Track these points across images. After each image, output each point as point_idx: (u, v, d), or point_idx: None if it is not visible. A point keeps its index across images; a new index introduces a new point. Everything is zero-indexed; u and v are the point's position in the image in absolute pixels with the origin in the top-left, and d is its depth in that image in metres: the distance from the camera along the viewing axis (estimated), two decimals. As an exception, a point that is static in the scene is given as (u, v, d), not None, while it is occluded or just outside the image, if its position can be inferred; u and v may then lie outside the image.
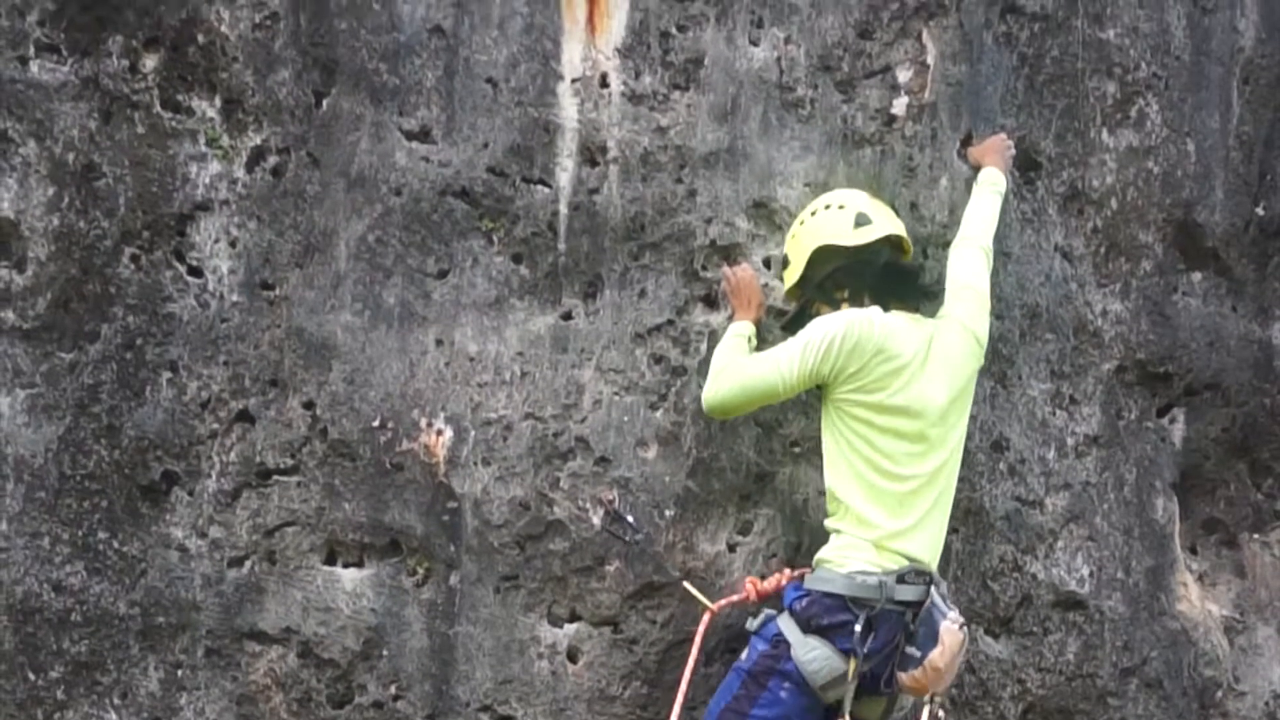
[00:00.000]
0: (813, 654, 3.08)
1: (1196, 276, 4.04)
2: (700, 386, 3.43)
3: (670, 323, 3.53)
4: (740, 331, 3.42)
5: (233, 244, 3.43)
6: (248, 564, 3.41)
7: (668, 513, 3.48)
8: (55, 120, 3.35)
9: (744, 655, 3.20)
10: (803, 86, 3.60)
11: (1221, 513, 4.17)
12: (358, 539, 3.44)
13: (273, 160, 3.46)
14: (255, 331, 3.43)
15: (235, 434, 3.41)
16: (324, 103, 3.48)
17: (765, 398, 3.28)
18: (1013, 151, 3.70)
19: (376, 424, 3.44)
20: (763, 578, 3.34)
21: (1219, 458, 4.11)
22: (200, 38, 3.41)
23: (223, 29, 3.42)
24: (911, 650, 3.10)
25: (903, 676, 3.11)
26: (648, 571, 3.45)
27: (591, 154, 3.56)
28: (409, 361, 3.46)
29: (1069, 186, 3.87)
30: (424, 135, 3.51)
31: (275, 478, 3.42)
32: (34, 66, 3.35)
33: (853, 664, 3.06)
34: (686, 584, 3.39)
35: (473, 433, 3.46)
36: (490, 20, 3.54)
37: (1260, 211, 4.08)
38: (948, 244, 3.57)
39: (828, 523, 3.26)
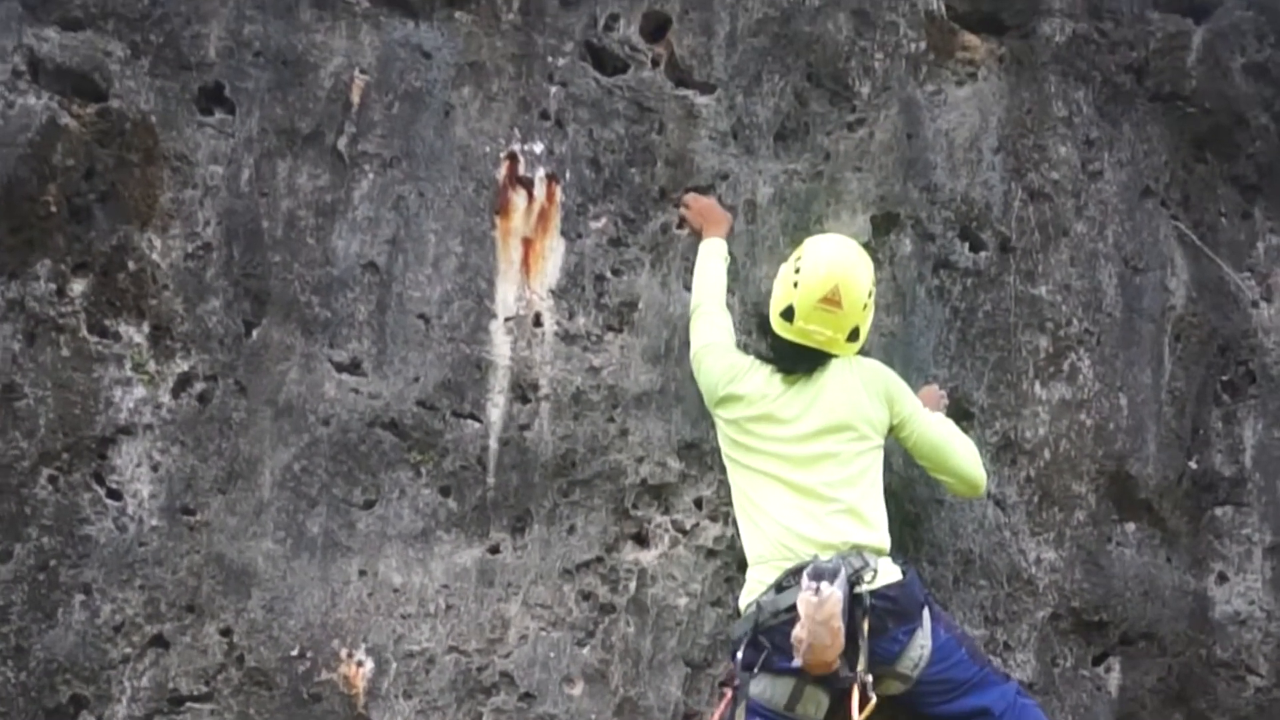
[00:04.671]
0: (759, 686, 4.66)
1: (1130, 527, 5.62)
2: (628, 625, 5.07)
3: (599, 560, 5.12)
4: (717, 251, 5.12)
5: (154, 468, 4.91)
6: (156, 797, 4.72)
7: (593, 754, 4.91)
8: (-23, 340, 4.76)
9: None
10: (738, 332, 5.20)
11: (1158, 763, 5.62)
12: (272, 772, 4.79)
13: (199, 387, 4.97)
14: (174, 556, 4.88)
15: (148, 659, 4.83)
16: (254, 332, 5.01)
17: None
18: (946, 402, 5.33)
19: (295, 653, 4.90)
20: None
21: (1155, 707, 5.54)
22: (131, 265, 4.95)
23: (154, 257, 4.98)
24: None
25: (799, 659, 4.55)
26: (572, 817, 4.85)
27: (523, 391, 5.17)
28: (331, 591, 4.95)
29: (1002, 437, 5.51)
30: (354, 367, 5.07)
31: (189, 705, 4.83)
32: (-42, 287, 4.79)
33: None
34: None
35: (394, 665, 4.95)
36: (425, 258, 5.15)
37: (1193, 465, 5.78)
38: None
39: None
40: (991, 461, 5.48)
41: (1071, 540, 5.62)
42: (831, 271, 4.95)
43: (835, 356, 4.98)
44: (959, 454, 5.08)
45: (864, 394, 4.96)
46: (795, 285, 4.95)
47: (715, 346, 5.11)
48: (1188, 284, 5.98)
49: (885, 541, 4.86)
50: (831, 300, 4.91)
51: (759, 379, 4.99)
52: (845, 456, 4.88)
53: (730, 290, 5.35)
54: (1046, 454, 5.66)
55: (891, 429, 5.02)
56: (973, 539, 5.51)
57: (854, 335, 4.99)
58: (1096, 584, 5.61)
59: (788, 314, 4.97)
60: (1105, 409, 5.74)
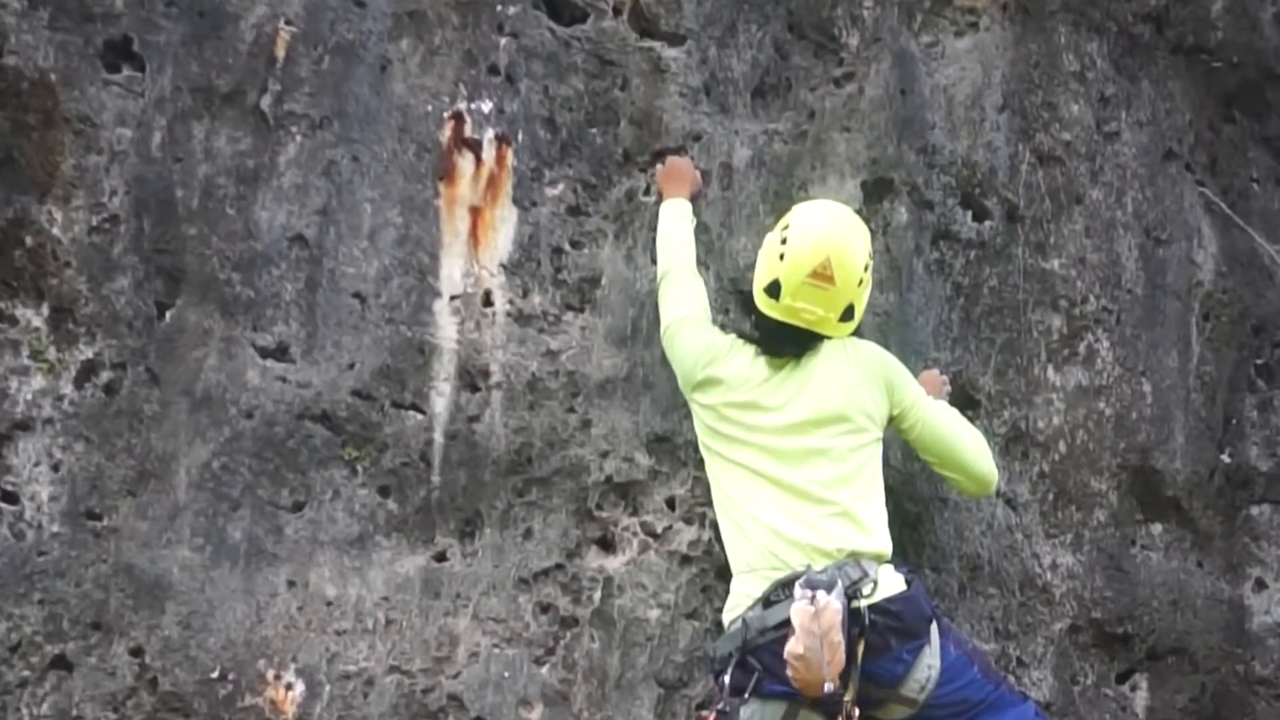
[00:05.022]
0: (748, 711, 4.41)
1: (1157, 528, 5.48)
2: (593, 640, 4.82)
3: (559, 567, 4.88)
4: (681, 211, 5.02)
5: (55, 468, 4.63)
6: (56, 837, 4.49)
7: (552, 786, 4.72)
8: None
9: None
10: (714, 310, 4.97)
11: (1194, 793, 5.51)
12: (187, 811, 4.56)
13: (106, 376, 4.70)
14: (78, 567, 4.59)
15: (49, 683, 4.53)
16: (167, 314, 4.74)
17: None
18: (948, 388, 5.14)
19: (215, 675, 4.61)
20: None
21: (1187, 730, 5.42)
22: (28, 240, 4.69)
23: (54, 231, 4.71)
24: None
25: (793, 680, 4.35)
26: None
27: (472, 378, 4.93)
28: (256, 605, 4.67)
29: (1011, 427, 5.33)
30: (281, 353, 4.80)
31: (95, 735, 4.55)
32: None
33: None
34: None
35: (328, 687, 4.68)
36: (359, 230, 4.92)
37: (1226, 459, 5.61)
38: None
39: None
40: (1000, 455, 5.30)
41: (1091, 543, 5.46)
42: (822, 242, 4.70)
43: (827, 338, 4.75)
44: (967, 448, 4.88)
45: (860, 381, 4.73)
46: (781, 258, 4.71)
47: (690, 321, 4.91)
48: (1216, 256, 5.85)
49: (886, 547, 4.64)
50: (822, 275, 4.67)
51: (741, 361, 4.77)
52: (838, 452, 4.66)
53: (704, 264, 5.14)
54: (1062, 447, 5.49)
55: (891, 420, 4.81)
56: (980, 542, 5.33)
57: (848, 314, 4.77)
58: (1120, 592, 5.45)
59: (773, 290, 4.73)
60: (1126, 396, 5.59)
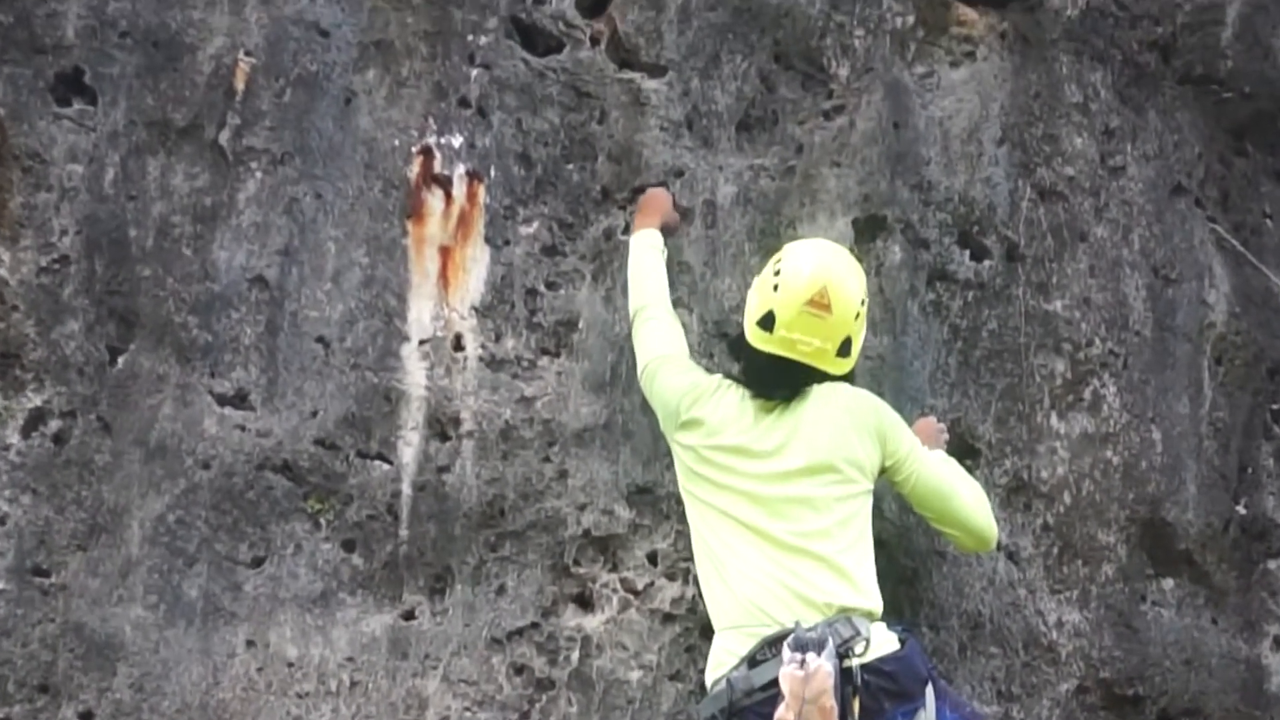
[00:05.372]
0: None
1: (1168, 583, 5.38)
2: (570, 703, 4.74)
3: (535, 626, 4.79)
4: (652, 243, 4.95)
5: (1, 522, 4.56)
6: None
7: None
8: None
9: None
10: (696, 356, 4.89)
11: None
12: None
13: (55, 425, 4.64)
14: (23, 626, 4.51)
15: None
16: (120, 360, 4.70)
17: None
18: (946, 437, 5.04)
19: None
20: None
21: (1202, 798, 5.32)
22: None
23: (1, 272, 4.68)
24: None
25: None
26: None
27: (442, 426, 4.86)
28: (212, 666, 4.59)
29: (1013, 478, 5.25)
30: (240, 400, 4.75)
31: (41, 805, 4.46)
32: None
33: None
34: None
35: None
36: (323, 272, 4.87)
37: (1241, 510, 5.53)
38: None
39: None
40: (1002, 507, 5.24)
41: (1098, 599, 5.36)
42: (819, 271, 4.65)
43: (818, 381, 4.68)
44: (966, 501, 4.78)
45: (850, 428, 4.65)
46: (776, 289, 4.65)
47: (670, 359, 4.83)
48: (1229, 296, 5.80)
49: (877, 604, 4.55)
50: (819, 304, 4.62)
51: (728, 403, 4.69)
52: (824, 502, 4.57)
53: (686, 306, 5.10)
54: (1067, 498, 5.40)
55: (884, 471, 4.72)
56: (981, 599, 5.23)
57: (845, 349, 4.70)
58: (1129, 651, 5.35)
59: (767, 322, 4.66)
60: (1135, 444, 5.51)
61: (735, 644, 4.47)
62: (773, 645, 4.34)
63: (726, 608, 4.53)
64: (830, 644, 4.23)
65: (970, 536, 4.81)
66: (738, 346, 4.84)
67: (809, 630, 4.28)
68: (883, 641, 4.43)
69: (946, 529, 4.84)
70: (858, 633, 4.35)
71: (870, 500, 4.67)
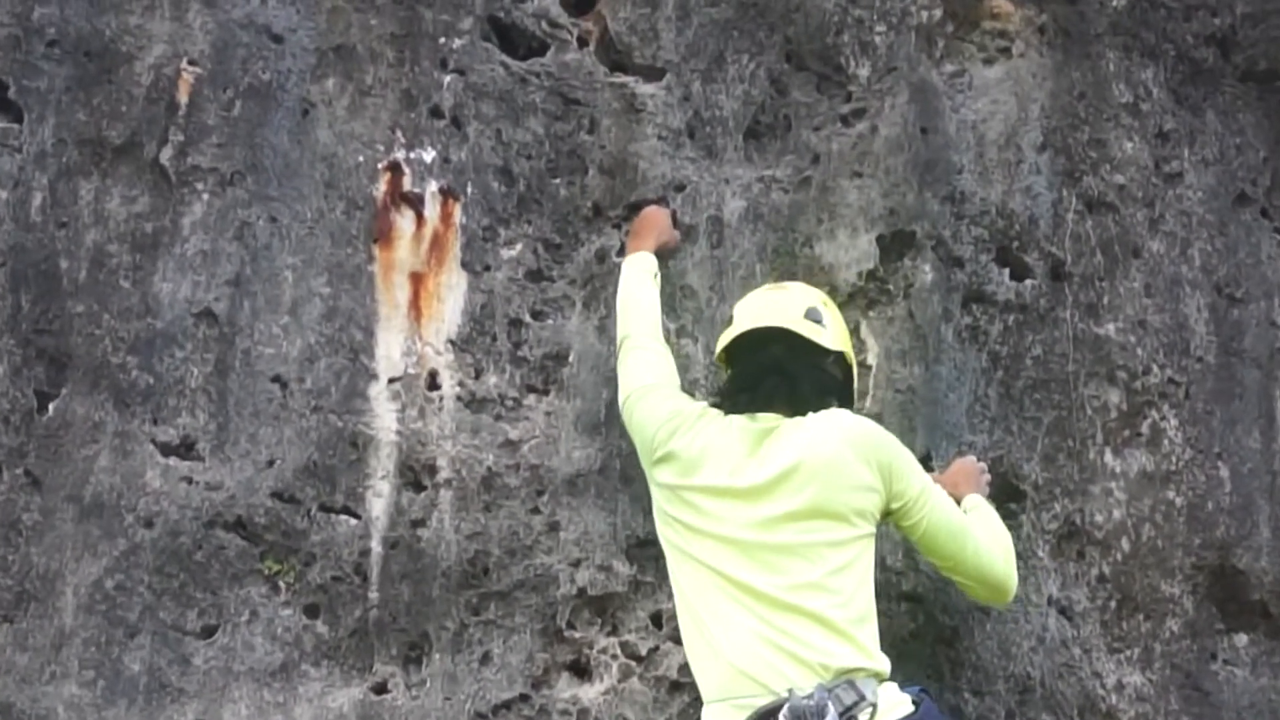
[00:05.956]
0: None
1: (1241, 639, 4.97)
2: None
3: (524, 698, 4.44)
4: (645, 267, 4.67)
5: None
6: None
7: None
8: None
9: None
10: (702, 393, 4.61)
11: None
12: None
13: None
14: None
15: None
16: (50, 406, 4.45)
17: None
18: (988, 478, 4.66)
19: None
20: None
21: None
22: None
23: None
24: None
25: None
26: None
27: (415, 475, 4.53)
28: None
29: (1064, 523, 4.84)
30: (186, 449, 4.45)
31: None
32: None
33: None
34: None
35: None
36: (279, 303, 4.59)
37: None
38: (903, 594, 4.54)
39: None
40: (1051, 556, 4.89)
41: (1163, 658, 4.93)
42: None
43: (801, 368, 4.40)
44: (981, 542, 4.42)
45: (849, 464, 4.26)
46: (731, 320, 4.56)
47: (653, 390, 4.50)
48: None
49: (882, 663, 4.18)
50: (774, 288, 4.61)
51: (711, 433, 4.35)
52: (815, 549, 4.20)
53: (690, 335, 4.81)
54: (1125, 544, 4.98)
55: (890, 514, 4.34)
56: (1031, 660, 4.81)
57: (814, 316, 4.46)
58: (1199, 716, 4.92)
59: (727, 323, 4.55)
60: (1200, 483, 5.09)
61: (726, 718, 4.16)
62: (767, 718, 4.05)
63: (713, 676, 4.20)
64: (832, 712, 3.96)
65: (984, 585, 4.45)
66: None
67: (805, 698, 3.98)
68: (893, 705, 4.11)
69: (958, 577, 4.48)
70: (863, 697, 4.04)
71: (872, 545, 4.30)
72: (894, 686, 4.11)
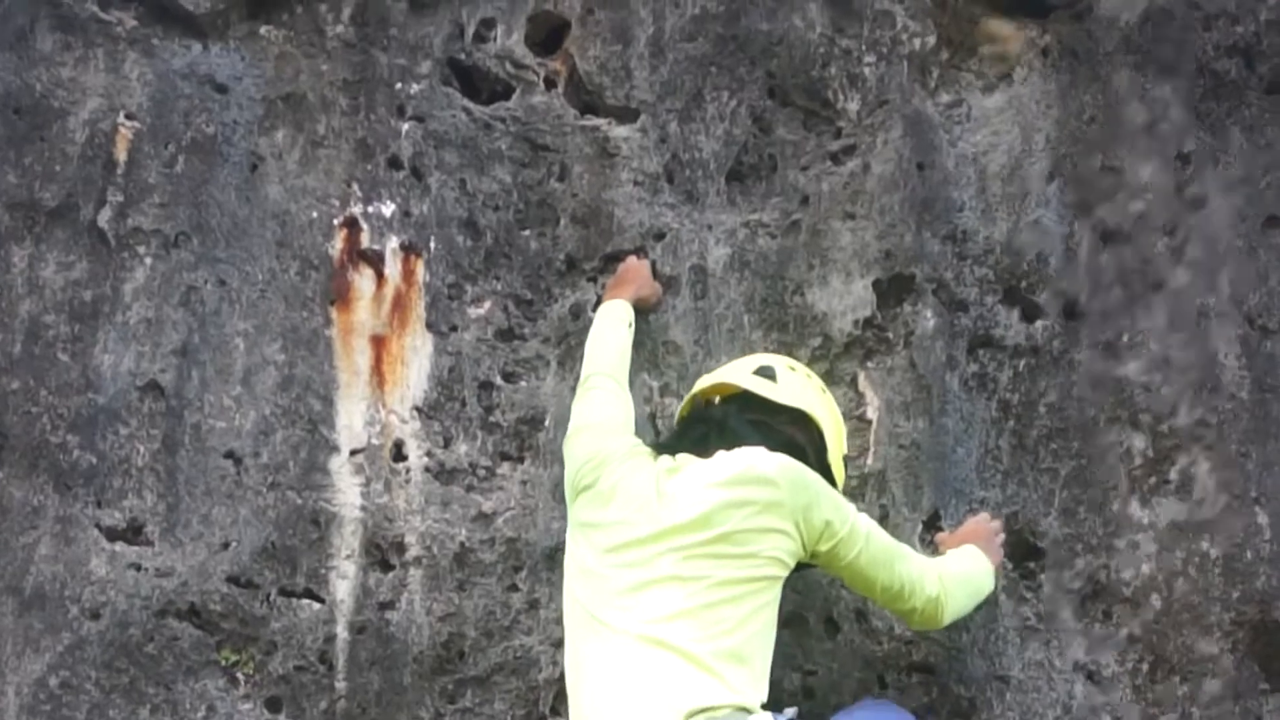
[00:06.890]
0: None
1: None
2: None
3: None
4: (619, 315, 4.53)
5: None
6: None
7: None
8: None
9: None
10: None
11: None
12: None
13: None
14: None
15: None
16: None
17: None
18: (1002, 537, 4.45)
19: None
20: None
21: None
22: None
23: None
24: None
25: None
26: None
27: (382, 553, 4.39)
28: None
29: (1088, 581, 4.59)
30: (133, 534, 4.34)
31: None
32: None
33: None
34: None
35: None
36: (230, 373, 4.50)
37: None
38: (913, 665, 4.32)
39: None
40: (1075, 617, 4.61)
41: None
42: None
43: (747, 422, 4.18)
44: (913, 562, 4.17)
45: (753, 502, 4.00)
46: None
47: (592, 428, 4.34)
48: None
49: (753, 697, 3.90)
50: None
51: (632, 470, 4.14)
52: (700, 582, 3.93)
53: (675, 393, 4.64)
54: (1156, 601, 4.67)
55: (819, 555, 4.09)
56: None
57: (765, 373, 4.28)
58: None
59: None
60: (1237, 531, 4.75)
61: None
62: None
63: None
64: None
65: (915, 602, 4.16)
66: None
67: None
68: None
69: (892, 605, 4.20)
70: None
71: (776, 589, 4.02)
72: (768, 716, 3.83)
